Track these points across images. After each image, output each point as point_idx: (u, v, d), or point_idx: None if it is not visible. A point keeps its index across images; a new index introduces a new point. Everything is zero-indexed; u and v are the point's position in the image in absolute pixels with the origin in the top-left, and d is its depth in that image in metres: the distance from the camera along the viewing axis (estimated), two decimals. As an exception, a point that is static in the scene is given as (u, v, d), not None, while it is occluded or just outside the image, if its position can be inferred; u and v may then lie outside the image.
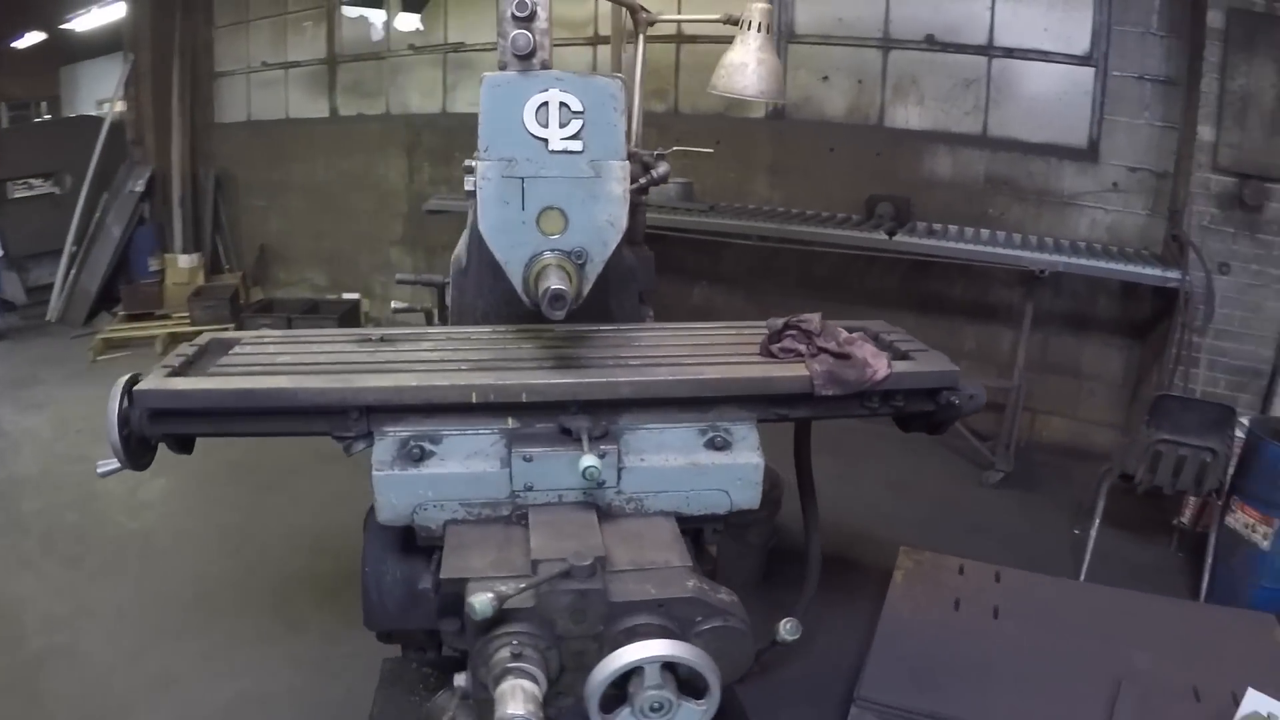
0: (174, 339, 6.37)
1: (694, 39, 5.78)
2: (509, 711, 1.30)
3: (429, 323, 2.77)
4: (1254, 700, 2.63)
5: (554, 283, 1.55)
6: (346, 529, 3.79)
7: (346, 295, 6.90)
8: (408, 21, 6.51)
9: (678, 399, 1.81)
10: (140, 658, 3.10)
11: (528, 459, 1.70)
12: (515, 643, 1.42)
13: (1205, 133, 4.34)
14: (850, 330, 2.14)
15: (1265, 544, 3.53)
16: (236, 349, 1.95)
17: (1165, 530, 4.27)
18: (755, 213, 5.55)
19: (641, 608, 1.50)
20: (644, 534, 1.72)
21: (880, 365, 1.96)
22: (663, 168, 1.76)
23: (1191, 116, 4.40)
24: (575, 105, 1.62)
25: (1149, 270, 4.42)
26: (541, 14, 1.58)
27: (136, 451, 1.78)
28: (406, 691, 2.57)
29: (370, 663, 2.97)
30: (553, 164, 1.64)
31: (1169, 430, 3.68)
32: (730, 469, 1.83)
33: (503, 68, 1.62)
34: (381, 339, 1.96)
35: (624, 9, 2.72)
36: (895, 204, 5.29)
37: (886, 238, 4.88)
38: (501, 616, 1.43)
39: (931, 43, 5.21)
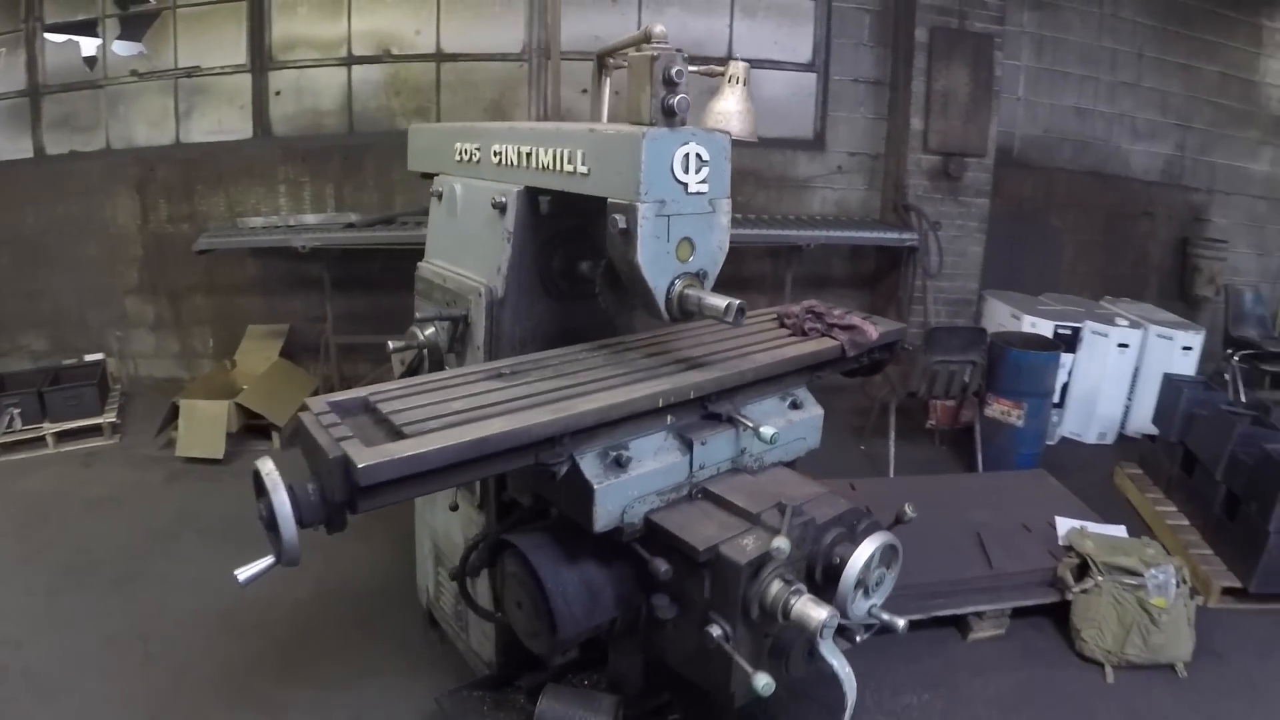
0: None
1: (454, 57, 5.96)
2: (822, 616, 1.73)
3: (419, 363, 2.80)
4: (1065, 524, 3.73)
5: (731, 299, 1.93)
6: (250, 601, 3.54)
7: (88, 358, 6.07)
8: (128, 46, 5.84)
9: (766, 378, 2.28)
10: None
11: (704, 443, 2.07)
12: (780, 574, 1.83)
13: (916, 123, 5.61)
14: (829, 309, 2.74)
15: (1020, 422, 4.80)
16: (384, 406, 1.89)
17: (923, 433, 5.46)
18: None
19: (832, 524, 2.01)
20: (779, 479, 2.21)
21: (872, 329, 2.61)
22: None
23: (905, 111, 5.63)
24: (705, 155, 2.00)
25: (889, 234, 5.61)
26: (684, 79, 1.94)
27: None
28: (481, 718, 2.65)
29: (386, 715, 2.94)
30: (688, 203, 2.00)
31: (940, 353, 4.79)
32: (808, 421, 2.42)
33: (651, 123, 1.93)
34: (513, 372, 2.13)
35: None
36: (664, 201, 5.97)
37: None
38: (760, 560, 1.83)
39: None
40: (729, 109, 2.71)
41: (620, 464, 1.95)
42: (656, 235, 1.97)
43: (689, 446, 2.07)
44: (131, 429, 5.37)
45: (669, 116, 1.93)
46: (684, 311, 2.05)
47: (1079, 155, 6.55)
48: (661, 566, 1.91)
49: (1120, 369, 5.46)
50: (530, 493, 2.39)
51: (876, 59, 5.95)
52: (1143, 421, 5.41)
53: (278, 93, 5.94)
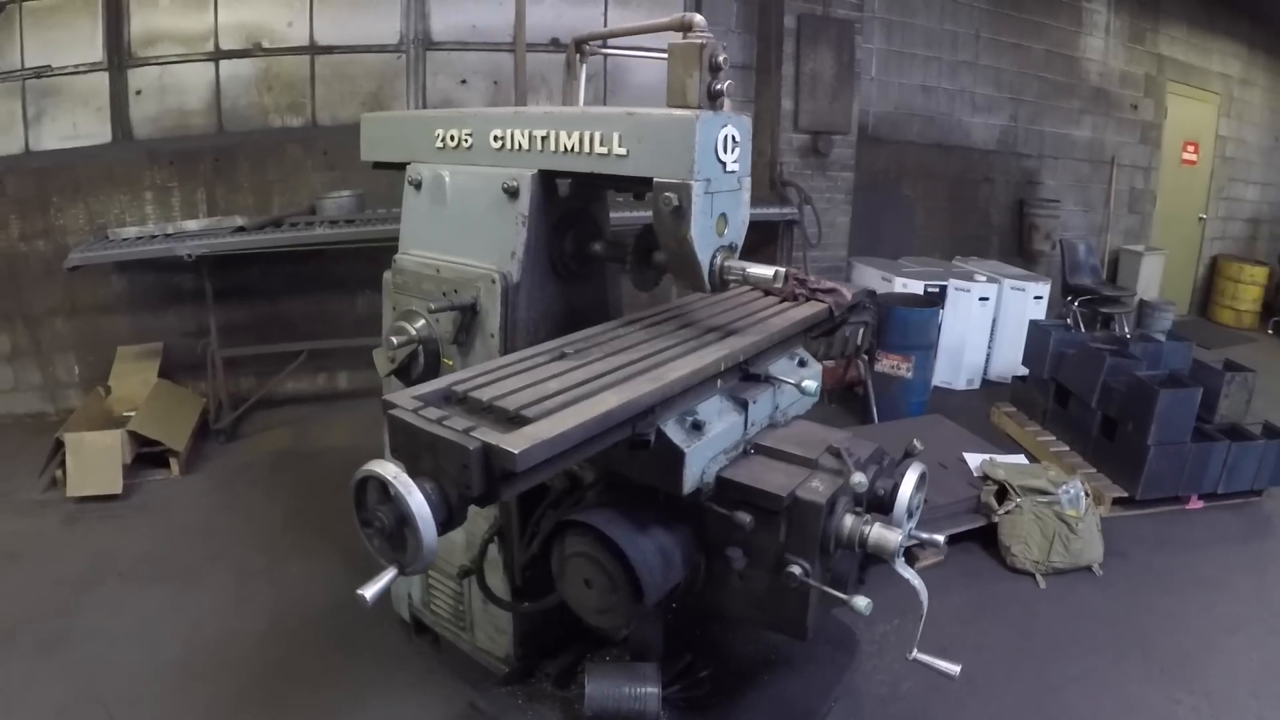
0: None
1: (329, 49, 5.75)
2: (898, 538, 1.97)
3: (409, 360, 2.75)
4: (974, 458, 4.21)
5: (776, 267, 2.11)
6: (204, 643, 3.36)
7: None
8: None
9: (784, 339, 2.49)
10: None
11: (754, 401, 2.25)
12: (852, 509, 2.05)
13: (787, 104, 5.99)
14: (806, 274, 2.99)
15: (909, 374, 5.30)
16: (480, 394, 1.80)
17: (811, 394, 5.90)
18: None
19: (870, 460, 2.26)
20: (809, 429, 2.42)
21: (846, 291, 2.87)
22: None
23: (776, 92, 6.00)
24: (737, 136, 2.16)
25: (773, 209, 5.98)
26: (727, 65, 2.09)
27: None
28: (522, 713, 2.60)
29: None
30: (725, 181, 2.15)
31: (837, 316, 5.19)
32: (814, 377, 2.60)
33: (695, 106, 2.06)
34: (576, 351, 2.18)
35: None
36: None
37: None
38: (834, 498, 2.03)
39: (557, 45, 6.03)
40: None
41: (698, 428, 2.07)
42: (705, 212, 2.10)
43: (743, 406, 2.23)
44: (2, 474, 4.82)
45: (713, 100, 2.08)
46: (724, 282, 2.21)
47: (926, 129, 7.24)
48: (746, 518, 2.06)
49: (982, 320, 6.13)
50: (566, 475, 2.45)
51: (744, 45, 6.28)
52: (1005, 365, 6.10)
53: (139, 92, 5.48)
